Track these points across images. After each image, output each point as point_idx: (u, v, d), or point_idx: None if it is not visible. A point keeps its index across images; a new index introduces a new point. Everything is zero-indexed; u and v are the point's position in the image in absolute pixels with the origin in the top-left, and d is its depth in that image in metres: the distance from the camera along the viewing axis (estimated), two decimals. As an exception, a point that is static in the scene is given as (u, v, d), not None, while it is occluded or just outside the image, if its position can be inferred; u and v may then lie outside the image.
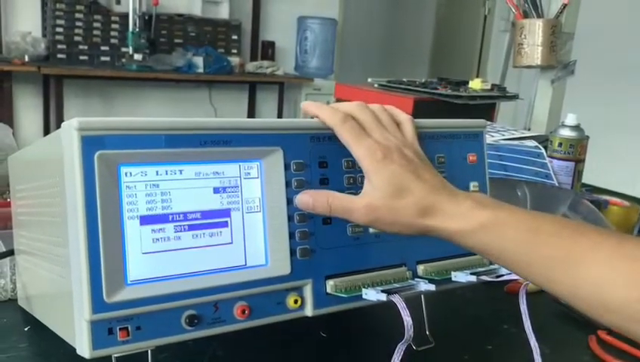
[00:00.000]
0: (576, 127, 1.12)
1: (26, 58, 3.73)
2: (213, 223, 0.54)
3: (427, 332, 0.72)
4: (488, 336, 0.78)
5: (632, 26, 3.74)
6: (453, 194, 0.56)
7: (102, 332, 0.48)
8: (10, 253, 0.76)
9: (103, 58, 4.06)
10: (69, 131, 0.48)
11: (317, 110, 0.60)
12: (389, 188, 0.54)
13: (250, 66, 4.52)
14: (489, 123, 1.38)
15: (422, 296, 0.71)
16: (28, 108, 4.07)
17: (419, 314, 0.71)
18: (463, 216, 0.54)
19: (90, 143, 0.48)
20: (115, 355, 0.51)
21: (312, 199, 0.57)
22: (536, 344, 0.61)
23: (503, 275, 0.64)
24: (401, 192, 0.54)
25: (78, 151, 0.47)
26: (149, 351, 0.53)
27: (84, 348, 0.48)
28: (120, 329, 0.49)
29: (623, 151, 3.59)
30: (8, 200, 0.88)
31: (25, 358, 0.65)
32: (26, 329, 0.71)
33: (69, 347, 0.65)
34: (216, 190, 0.54)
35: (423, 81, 1.68)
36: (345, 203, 0.56)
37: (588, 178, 1.35)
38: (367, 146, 0.56)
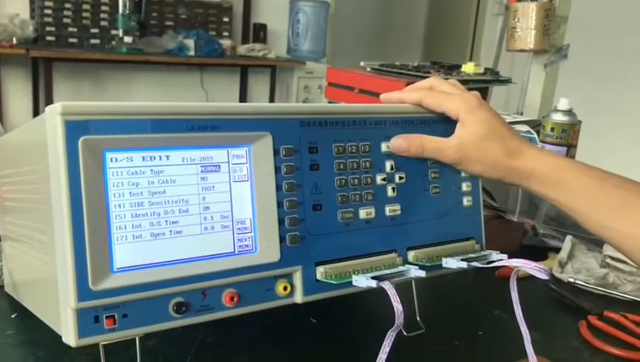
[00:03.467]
0: (569, 112, 1.11)
1: (14, 40, 3.67)
2: (201, 210, 0.53)
3: (418, 318, 0.72)
4: (479, 322, 0.78)
5: (626, 9, 3.72)
6: (532, 144, 0.66)
7: (88, 320, 0.48)
8: (-2, 238, 0.76)
9: (92, 41, 4.00)
10: (53, 116, 0.47)
11: (397, 96, 0.67)
12: (482, 130, 0.63)
13: (242, 49, 4.48)
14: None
15: (413, 282, 0.70)
16: (16, 91, 4.02)
17: (410, 300, 0.71)
18: (543, 159, 0.63)
19: (75, 128, 0.47)
20: (102, 343, 0.50)
21: (406, 142, 0.63)
22: (527, 331, 0.61)
23: (493, 261, 0.63)
24: (492, 134, 0.63)
25: (62, 137, 0.46)
26: (137, 339, 0.52)
27: (69, 337, 0.48)
28: (106, 317, 0.48)
29: (616, 136, 3.59)
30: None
31: (12, 346, 0.64)
32: (13, 316, 0.70)
33: (56, 334, 0.64)
34: (204, 176, 0.53)
35: (416, 64, 1.67)
36: (437, 143, 0.64)
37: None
38: (460, 98, 0.64)
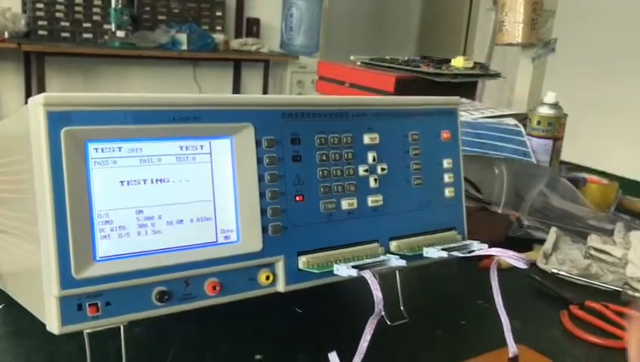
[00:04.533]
0: (555, 105, 1.13)
1: (6, 34, 3.66)
2: (184, 200, 0.54)
3: (401, 308, 0.73)
4: (462, 312, 0.79)
5: (613, 4, 3.74)
6: None
7: (71, 308, 0.48)
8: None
9: (85, 35, 4.00)
10: (36, 107, 0.47)
11: None
12: None
13: (235, 44, 4.48)
14: (469, 101, 1.38)
15: (397, 273, 0.71)
16: (9, 86, 4.01)
17: (393, 290, 0.72)
18: None
19: (57, 119, 0.47)
20: (87, 331, 0.51)
21: None
22: (507, 319, 0.62)
23: (474, 251, 0.64)
24: None
25: (44, 128, 0.47)
26: (122, 327, 0.53)
27: (53, 324, 0.48)
28: (89, 305, 0.49)
29: (603, 129, 3.62)
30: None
31: (-1, 335, 0.65)
32: (0, 306, 0.70)
33: (42, 324, 0.65)
34: (185, 167, 0.54)
35: (406, 58, 1.68)
36: None
37: (567, 155, 1.36)
38: None
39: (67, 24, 3.94)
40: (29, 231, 0.53)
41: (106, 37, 3.96)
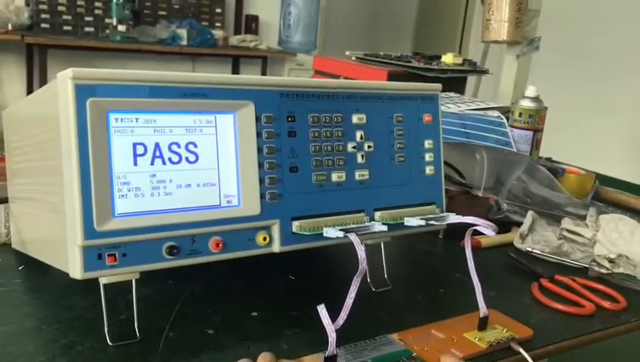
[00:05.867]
0: (536, 99, 1.20)
1: (9, 27, 3.73)
2: (192, 167, 0.61)
3: (385, 276, 0.80)
4: (441, 282, 0.86)
5: (596, 5, 3.83)
6: None
7: (92, 256, 0.55)
8: (5, 200, 0.83)
9: (87, 29, 4.07)
10: (65, 80, 0.54)
11: None
12: None
13: (234, 40, 4.55)
14: (457, 95, 1.45)
15: (381, 244, 0.78)
16: (11, 78, 4.07)
17: (379, 261, 0.79)
18: None
19: (83, 91, 0.54)
20: (103, 282, 0.58)
21: None
22: (479, 283, 0.68)
23: (450, 221, 0.71)
24: None
25: (72, 98, 0.54)
26: (133, 281, 0.60)
27: (76, 270, 0.55)
28: (108, 255, 0.56)
29: (585, 127, 3.71)
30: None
31: (19, 291, 0.72)
32: (20, 268, 0.77)
33: (58, 282, 0.72)
34: (194, 138, 0.61)
35: (398, 54, 1.75)
36: None
37: (549, 152, 1.44)
38: None
39: (69, 17, 4.01)
40: (55, 192, 0.60)
41: (108, 31, 4.02)
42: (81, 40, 3.94)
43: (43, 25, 3.94)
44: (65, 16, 4.00)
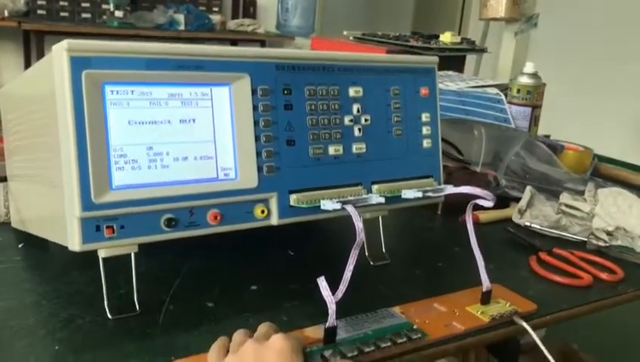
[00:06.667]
0: (534, 75, 1.19)
1: (6, 13, 3.70)
2: (188, 139, 0.61)
3: (383, 250, 0.80)
4: (440, 256, 0.86)
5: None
6: None
7: (90, 228, 0.56)
8: (4, 179, 0.83)
9: (84, 15, 4.04)
10: (60, 52, 0.54)
11: None
12: None
13: (232, 24, 4.52)
14: (456, 73, 1.45)
15: (379, 218, 0.78)
16: (8, 65, 4.05)
17: (377, 235, 0.79)
18: None
19: (78, 63, 0.54)
20: (102, 255, 0.58)
21: None
22: (481, 258, 0.67)
23: (448, 193, 0.71)
24: None
25: (68, 70, 0.54)
26: (132, 256, 0.60)
27: (75, 242, 0.55)
28: (106, 226, 0.56)
29: (583, 106, 3.70)
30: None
31: (19, 269, 0.72)
32: (20, 246, 0.78)
33: (58, 259, 0.73)
34: (190, 111, 0.61)
35: (397, 34, 1.74)
36: None
37: (548, 131, 1.43)
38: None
39: (66, 3, 3.98)
40: (53, 167, 0.60)
41: (105, 17, 4.00)
42: (79, 26, 3.91)
43: (40, 11, 3.91)
44: (62, 2, 3.97)
